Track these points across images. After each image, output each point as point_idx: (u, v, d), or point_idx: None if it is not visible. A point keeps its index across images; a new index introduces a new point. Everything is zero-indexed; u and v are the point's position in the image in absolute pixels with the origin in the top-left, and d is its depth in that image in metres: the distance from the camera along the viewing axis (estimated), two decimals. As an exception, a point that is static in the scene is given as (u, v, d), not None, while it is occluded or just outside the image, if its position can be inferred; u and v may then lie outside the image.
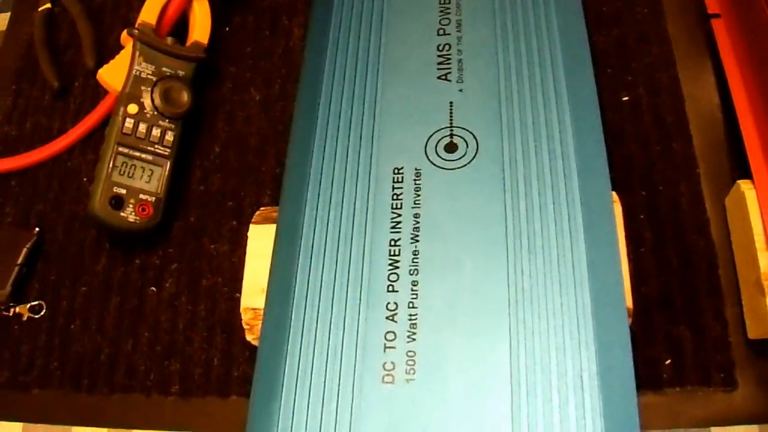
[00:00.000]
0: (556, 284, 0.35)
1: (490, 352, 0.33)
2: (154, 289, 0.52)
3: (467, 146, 0.39)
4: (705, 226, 0.48)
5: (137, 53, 0.54)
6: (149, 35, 0.55)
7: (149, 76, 0.54)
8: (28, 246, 0.55)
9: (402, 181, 0.38)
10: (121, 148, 0.52)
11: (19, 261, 0.55)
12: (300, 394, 0.34)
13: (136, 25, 0.55)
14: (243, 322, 0.46)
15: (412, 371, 0.33)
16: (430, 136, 0.39)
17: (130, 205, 0.51)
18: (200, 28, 0.56)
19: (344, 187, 0.39)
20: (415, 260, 0.36)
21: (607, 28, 0.54)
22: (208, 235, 0.53)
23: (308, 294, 0.37)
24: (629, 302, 0.40)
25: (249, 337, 0.47)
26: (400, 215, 0.37)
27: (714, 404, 0.43)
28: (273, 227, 0.49)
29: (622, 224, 0.42)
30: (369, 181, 0.39)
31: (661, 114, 0.51)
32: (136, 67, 0.54)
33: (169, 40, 0.55)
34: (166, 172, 0.53)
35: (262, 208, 0.50)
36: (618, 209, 0.43)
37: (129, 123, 0.52)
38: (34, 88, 0.62)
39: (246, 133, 0.55)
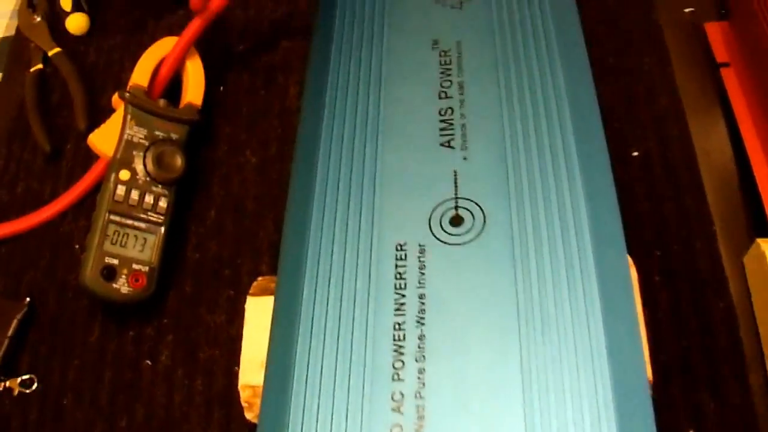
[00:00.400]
0: (572, 366, 0.33)
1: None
2: (149, 362, 0.50)
3: (474, 219, 0.37)
4: (723, 286, 0.46)
5: (129, 117, 0.52)
6: (141, 98, 0.53)
7: (141, 141, 0.52)
8: (18, 317, 0.53)
9: (405, 259, 0.36)
10: (112, 216, 0.50)
11: (9, 333, 0.53)
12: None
13: (128, 88, 0.53)
14: (242, 399, 0.44)
15: (420, 468, 0.31)
16: (434, 208, 0.37)
17: (123, 276, 0.49)
18: (194, 89, 0.55)
19: (344, 263, 0.37)
20: (421, 345, 0.34)
21: (613, 80, 0.52)
22: (204, 305, 0.51)
23: (308, 381, 0.34)
24: (649, 374, 0.38)
25: (248, 416, 0.44)
26: (404, 296, 0.35)
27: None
28: (271, 299, 0.46)
29: (638, 291, 0.40)
30: (370, 257, 0.36)
31: (673, 168, 0.49)
32: (128, 132, 0.52)
33: (162, 102, 0.54)
34: (160, 240, 0.51)
35: (259, 278, 0.48)
36: (633, 274, 0.41)
37: (121, 190, 0.51)
38: (25, 151, 0.60)
39: (242, 197, 0.53)
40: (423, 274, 0.36)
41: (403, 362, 0.33)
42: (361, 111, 0.42)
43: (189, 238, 0.53)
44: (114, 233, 0.50)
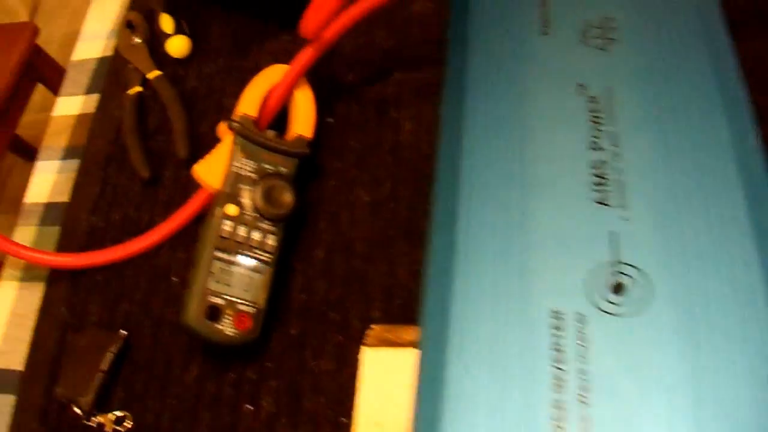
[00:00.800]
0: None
1: None
2: (250, 407, 0.48)
3: (638, 287, 0.33)
4: None
5: (237, 148, 0.50)
6: (250, 128, 0.51)
7: (249, 174, 0.50)
8: (113, 350, 0.51)
9: (563, 329, 0.33)
10: (218, 253, 0.48)
11: (104, 367, 0.51)
12: None
13: (236, 117, 0.51)
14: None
15: None
16: (592, 272, 0.34)
17: (228, 317, 0.47)
18: (303, 121, 0.52)
19: (495, 330, 0.34)
20: (586, 429, 0.30)
21: None
22: (310, 349, 0.48)
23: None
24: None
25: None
26: (563, 370, 0.32)
27: None
28: (390, 352, 0.44)
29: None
30: (523, 326, 0.33)
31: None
32: (235, 164, 0.50)
33: (270, 133, 0.51)
34: (267, 280, 0.49)
35: (374, 327, 0.45)
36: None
37: (227, 225, 0.48)
38: (122, 176, 0.58)
39: (352, 238, 0.50)
40: (584, 346, 0.32)
41: (565, 447, 0.30)
42: (504, 161, 0.39)
43: (295, 278, 0.50)
44: (219, 271, 0.48)
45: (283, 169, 0.51)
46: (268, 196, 0.49)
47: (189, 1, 0.63)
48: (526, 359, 0.33)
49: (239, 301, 0.48)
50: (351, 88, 0.56)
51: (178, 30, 0.61)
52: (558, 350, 0.32)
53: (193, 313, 0.47)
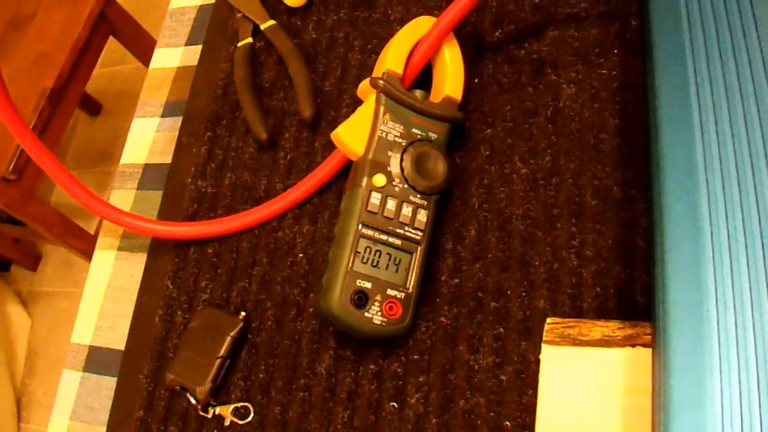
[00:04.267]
0: None
1: None
2: (395, 405, 0.42)
3: None
4: None
5: (382, 110, 0.44)
6: (396, 87, 0.44)
7: (397, 139, 0.44)
8: (232, 334, 0.45)
9: None
10: (364, 230, 0.42)
11: (222, 353, 0.45)
12: None
13: (381, 74, 0.45)
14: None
15: None
16: None
17: (376, 303, 0.41)
18: (452, 81, 0.46)
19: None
20: None
21: None
22: (464, 342, 0.42)
23: None
24: None
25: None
26: None
27: None
28: (575, 350, 0.38)
29: None
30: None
31: None
32: (381, 128, 0.44)
33: (418, 93, 0.45)
34: (418, 262, 0.43)
35: (551, 320, 0.39)
36: None
37: (375, 198, 0.42)
38: (233, 137, 0.52)
39: (510, 215, 0.44)
40: None
41: None
42: (741, 123, 0.33)
43: (445, 260, 0.44)
44: (365, 250, 0.42)
45: (433, 135, 0.45)
46: (419, 165, 0.43)
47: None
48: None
49: (388, 284, 0.42)
50: (499, 45, 0.49)
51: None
52: None
53: (337, 299, 0.41)
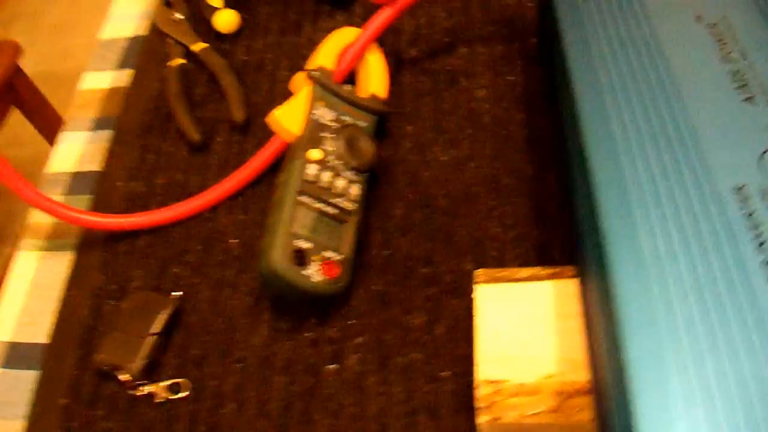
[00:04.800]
0: None
1: None
2: (333, 366, 0.43)
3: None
4: None
5: (316, 98, 0.48)
6: (328, 79, 0.49)
7: (330, 123, 0.47)
8: (166, 312, 0.46)
9: (749, 199, 0.32)
10: (302, 198, 0.44)
11: (155, 329, 0.45)
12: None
13: (313, 68, 0.49)
14: (478, 399, 0.38)
15: None
16: (762, 155, 0.34)
17: (315, 262, 0.43)
18: (377, 81, 0.51)
19: (681, 216, 0.32)
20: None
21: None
22: (398, 304, 0.44)
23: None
24: None
25: (482, 419, 0.38)
26: (762, 234, 0.30)
27: None
28: (506, 287, 0.41)
29: None
30: (708, 204, 0.32)
31: None
32: (315, 112, 0.47)
33: (348, 87, 0.49)
34: (353, 230, 0.45)
35: (480, 271, 0.42)
36: None
37: (312, 169, 0.45)
38: (165, 143, 0.54)
39: (433, 194, 0.48)
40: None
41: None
42: (643, 77, 0.38)
43: (375, 235, 0.47)
44: (303, 216, 0.44)
45: (361, 123, 0.49)
46: (351, 144, 0.47)
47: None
48: (720, 232, 0.31)
49: (325, 248, 0.44)
50: (417, 61, 0.55)
51: (227, 4, 0.59)
52: (750, 218, 0.31)
53: (278, 257, 0.42)
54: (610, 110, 0.38)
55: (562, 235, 0.45)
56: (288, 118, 0.47)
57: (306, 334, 0.44)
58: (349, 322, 0.45)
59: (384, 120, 0.51)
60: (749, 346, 0.27)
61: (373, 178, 0.49)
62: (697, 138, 0.35)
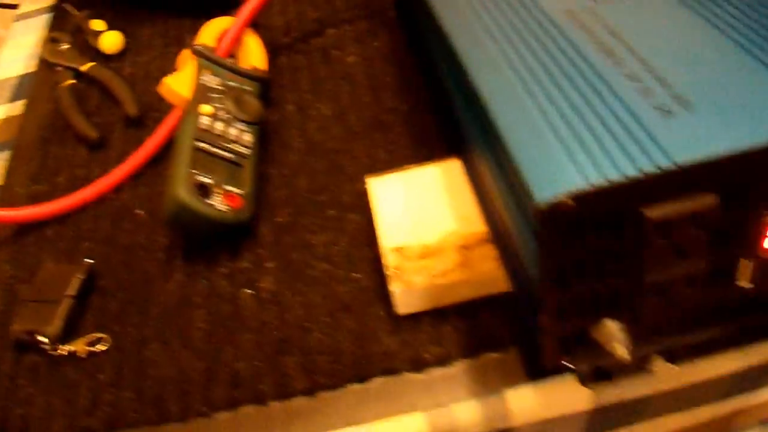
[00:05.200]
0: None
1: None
2: (249, 291, 0.45)
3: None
4: None
5: (202, 67, 0.52)
6: (212, 53, 0.53)
7: (218, 86, 0.51)
8: (80, 276, 0.47)
9: (581, 15, 0.37)
10: (198, 143, 0.47)
11: (70, 292, 0.46)
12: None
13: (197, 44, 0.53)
14: (389, 267, 0.40)
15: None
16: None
17: (218, 194, 0.46)
18: (256, 57, 0.56)
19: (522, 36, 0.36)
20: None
21: None
22: (304, 229, 0.47)
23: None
24: None
25: (394, 286, 0.40)
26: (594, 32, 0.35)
27: None
28: (396, 175, 0.45)
29: None
30: (549, 23, 0.37)
31: None
32: (203, 78, 0.51)
33: (231, 59, 0.54)
34: (250, 170, 0.48)
35: (371, 175, 0.46)
36: None
37: (205, 120, 0.49)
38: (64, 149, 0.56)
39: (322, 140, 0.52)
40: (603, 20, 0.36)
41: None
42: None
43: (272, 181, 0.50)
44: (202, 159, 0.47)
45: (246, 88, 0.53)
46: (238, 101, 0.51)
47: (119, 5, 0.66)
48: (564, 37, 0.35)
49: (226, 183, 0.47)
50: (291, 45, 0.60)
51: (111, 26, 0.64)
52: (582, 26, 0.36)
53: (183, 190, 0.45)
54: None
55: (442, 151, 0.49)
56: (178, 83, 0.51)
57: (220, 270, 0.46)
58: (259, 251, 0.47)
59: (267, 88, 0.55)
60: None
61: (265, 136, 0.53)
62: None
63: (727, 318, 0.33)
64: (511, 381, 0.39)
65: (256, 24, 0.62)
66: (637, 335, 0.31)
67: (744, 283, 0.31)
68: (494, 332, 0.40)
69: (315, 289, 0.44)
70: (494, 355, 0.40)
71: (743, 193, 0.28)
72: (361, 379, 0.40)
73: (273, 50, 0.60)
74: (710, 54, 0.32)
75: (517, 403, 0.38)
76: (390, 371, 0.40)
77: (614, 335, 0.30)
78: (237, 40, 0.55)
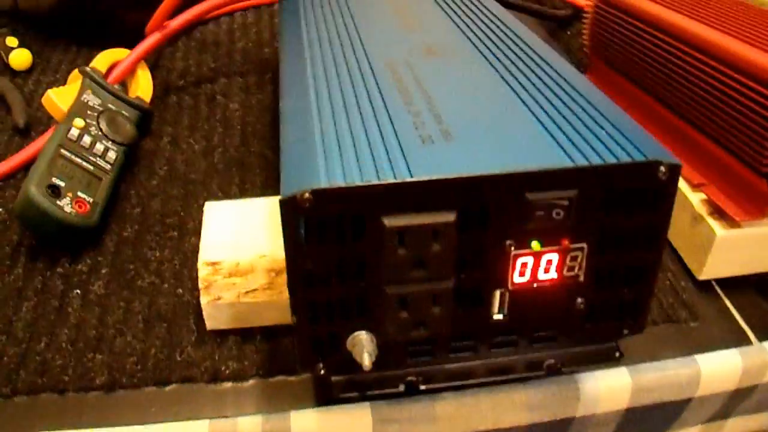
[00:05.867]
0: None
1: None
2: (78, 291, 0.48)
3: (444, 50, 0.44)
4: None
5: (86, 87, 0.56)
6: (99, 76, 0.57)
7: (96, 106, 0.55)
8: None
9: (397, 66, 0.42)
10: (63, 151, 0.51)
11: None
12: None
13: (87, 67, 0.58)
14: (200, 279, 0.44)
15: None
16: (410, 49, 0.45)
17: (68, 197, 0.49)
18: (143, 89, 0.60)
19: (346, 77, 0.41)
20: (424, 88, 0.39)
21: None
22: (146, 245, 0.51)
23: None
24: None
25: (204, 299, 0.44)
26: (402, 80, 0.40)
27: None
28: (230, 202, 0.48)
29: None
30: (369, 71, 0.42)
31: None
32: (84, 96, 0.55)
33: (117, 86, 0.58)
34: (106, 185, 0.52)
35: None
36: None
37: (74, 131, 0.52)
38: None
39: (186, 171, 0.56)
40: (414, 71, 0.41)
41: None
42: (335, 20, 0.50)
43: (130, 200, 0.54)
44: (62, 164, 0.51)
45: (125, 113, 0.57)
46: (112, 122, 0.55)
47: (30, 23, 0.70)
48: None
49: (80, 189, 0.50)
50: (183, 88, 0.65)
51: (21, 44, 0.68)
52: (396, 76, 0.41)
53: (34, 187, 0.48)
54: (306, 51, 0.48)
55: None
56: (60, 97, 0.55)
57: (58, 270, 0.49)
58: (99, 259, 0.50)
59: (147, 119, 0.60)
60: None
61: (133, 160, 0.57)
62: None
63: (486, 350, 0.37)
64: (300, 405, 0.42)
65: (158, 64, 0.67)
66: (392, 352, 0.35)
67: (496, 313, 0.35)
68: (293, 358, 0.44)
69: (139, 298, 0.47)
70: (289, 379, 0.43)
71: (482, 218, 0.32)
72: (160, 383, 0.43)
73: (166, 88, 0.65)
74: (490, 102, 0.37)
75: (298, 422, 0.41)
76: (188, 380, 0.43)
77: (363, 345, 0.34)
78: (128, 71, 0.60)
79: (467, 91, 0.38)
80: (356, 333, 0.34)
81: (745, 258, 0.48)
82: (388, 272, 0.32)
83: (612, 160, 0.32)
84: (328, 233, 0.31)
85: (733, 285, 0.49)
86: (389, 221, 0.30)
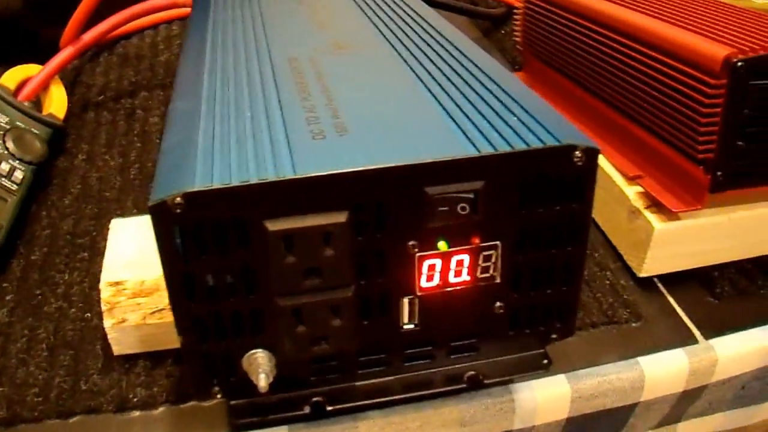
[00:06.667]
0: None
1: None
2: (-22, 319, 0.44)
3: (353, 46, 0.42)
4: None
5: (-8, 105, 0.53)
6: (7, 93, 0.54)
7: (3, 124, 0.52)
8: None
9: (301, 62, 0.39)
10: (-38, 172, 0.48)
11: None
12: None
13: (-7, 88, 0.55)
14: (102, 301, 0.41)
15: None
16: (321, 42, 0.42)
17: (-33, 220, 0.46)
18: (57, 106, 0.57)
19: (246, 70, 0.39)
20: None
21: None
22: (54, 268, 0.48)
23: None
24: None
25: (107, 322, 0.41)
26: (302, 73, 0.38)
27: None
28: (136, 218, 0.45)
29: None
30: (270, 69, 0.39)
31: None
32: (-10, 116, 0.52)
33: (27, 103, 0.55)
34: (11, 207, 0.49)
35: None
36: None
37: (-24, 151, 0.49)
38: None
39: (100, 189, 0.53)
40: (318, 67, 0.39)
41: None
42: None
43: (41, 221, 0.51)
44: (-38, 187, 0.48)
45: (35, 131, 0.54)
46: (20, 141, 0.52)
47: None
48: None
49: (-20, 213, 0.47)
50: (102, 103, 0.62)
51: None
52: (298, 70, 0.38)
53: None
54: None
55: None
56: (-38, 118, 0.52)
57: (-44, 297, 0.46)
58: (4, 285, 0.47)
59: (59, 136, 0.56)
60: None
61: (45, 179, 0.53)
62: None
63: (399, 364, 0.34)
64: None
65: (76, 80, 0.64)
66: (295, 370, 0.32)
67: (406, 323, 0.32)
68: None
69: (44, 325, 0.44)
70: (202, 405, 0.40)
71: (379, 217, 0.29)
72: (63, 415, 0.40)
73: (84, 105, 0.62)
74: (394, 95, 0.34)
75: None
76: (93, 410, 0.40)
77: (259, 365, 0.31)
78: (41, 87, 0.57)
79: (371, 85, 0.36)
80: (252, 351, 0.31)
81: (686, 251, 0.46)
82: (278, 282, 0.29)
83: (521, 147, 0.29)
84: (208, 241, 0.28)
85: (675, 281, 0.47)
86: (272, 225, 0.27)
